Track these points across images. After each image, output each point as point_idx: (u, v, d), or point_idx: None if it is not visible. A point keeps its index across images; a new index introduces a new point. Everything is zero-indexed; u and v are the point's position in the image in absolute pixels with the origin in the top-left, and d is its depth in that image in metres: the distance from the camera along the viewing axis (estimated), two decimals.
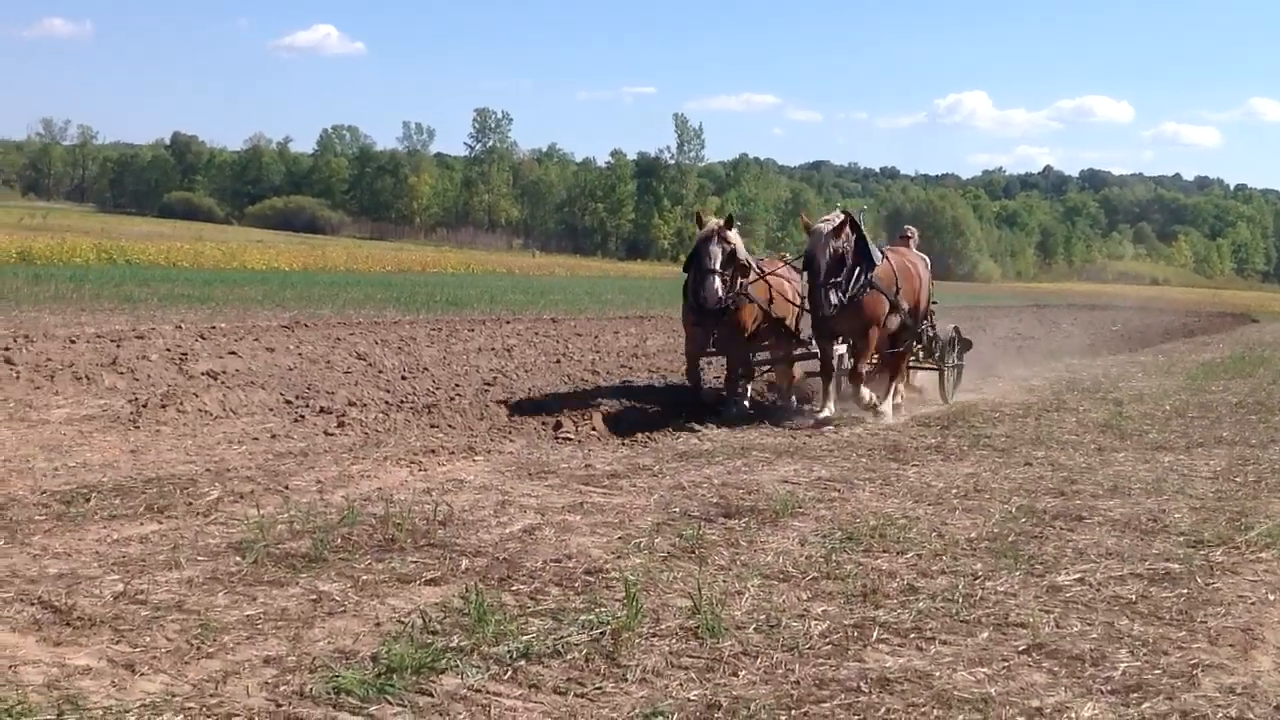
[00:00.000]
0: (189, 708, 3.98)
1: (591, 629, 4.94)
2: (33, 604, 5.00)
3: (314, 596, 5.31)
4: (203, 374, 12.72)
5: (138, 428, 9.73)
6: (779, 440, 10.83)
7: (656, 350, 19.48)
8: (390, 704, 4.13)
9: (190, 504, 6.98)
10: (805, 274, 12.02)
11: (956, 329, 15.19)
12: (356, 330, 18.70)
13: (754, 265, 12.49)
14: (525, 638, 4.78)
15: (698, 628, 5.03)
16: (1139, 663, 4.89)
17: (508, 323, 23.54)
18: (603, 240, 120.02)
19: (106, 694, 4.08)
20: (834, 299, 11.41)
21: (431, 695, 4.22)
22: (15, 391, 11.12)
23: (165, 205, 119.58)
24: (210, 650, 4.55)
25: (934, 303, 14.51)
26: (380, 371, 14.05)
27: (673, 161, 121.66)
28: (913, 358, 14.53)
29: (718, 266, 11.57)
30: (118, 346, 14.05)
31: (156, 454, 8.62)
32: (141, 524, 6.48)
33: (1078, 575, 6.25)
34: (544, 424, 10.98)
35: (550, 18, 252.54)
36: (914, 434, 11.52)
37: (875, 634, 5.10)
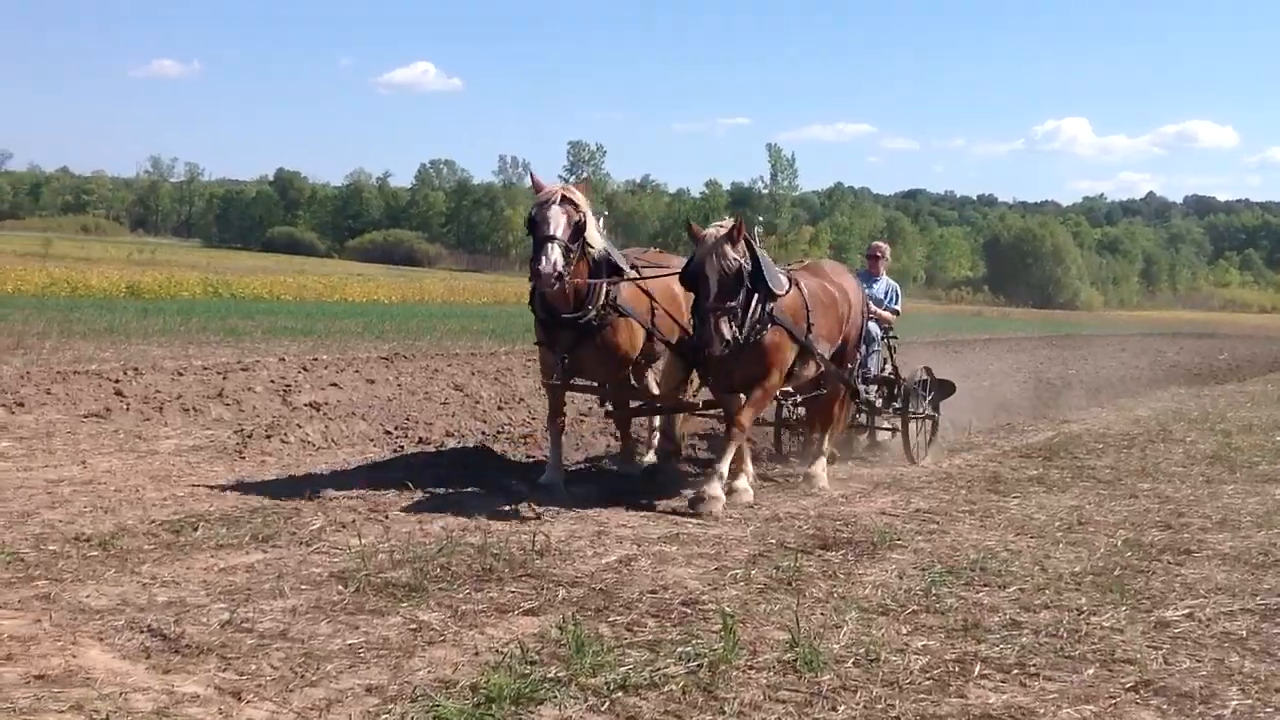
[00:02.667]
0: None
1: (689, 661, 4.94)
2: (142, 631, 5.13)
3: (414, 626, 5.38)
4: (305, 405, 12.95)
5: (243, 458, 9.94)
6: (875, 471, 10.72)
7: None
8: None
9: (294, 533, 7.11)
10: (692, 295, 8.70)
11: (928, 370, 12.17)
12: (454, 361, 18.90)
13: (625, 261, 9.13)
14: (623, 669, 4.79)
15: (795, 661, 5.00)
16: (1250, 700, 4.77)
17: None
18: None
19: None
20: (726, 332, 8.19)
21: None
22: (125, 423, 11.44)
23: (269, 240, 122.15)
24: (314, 678, 4.63)
25: (893, 336, 12.09)
26: (477, 402, 14.19)
27: (766, 191, 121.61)
28: (860, 407, 11.60)
29: (558, 233, 8.29)
30: (224, 379, 14.38)
31: (261, 484, 8.79)
32: (247, 553, 6.61)
33: (1186, 610, 6.10)
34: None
35: (644, 51, 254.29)
36: (1014, 465, 11.34)
37: (977, 669, 5.02)
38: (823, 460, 10.04)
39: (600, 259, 8.75)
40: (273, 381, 14.51)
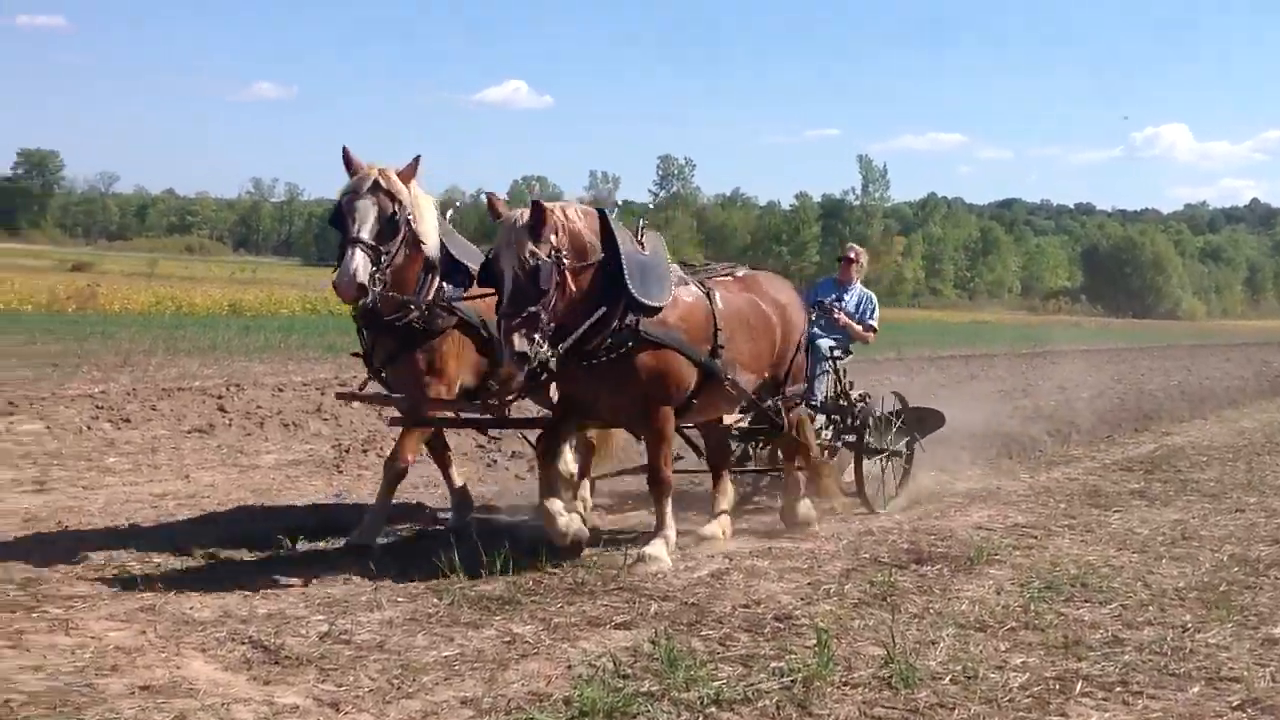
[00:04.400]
0: None
1: (782, 676, 4.90)
2: (244, 643, 5.23)
3: (508, 638, 5.42)
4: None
5: (341, 472, 10.11)
6: (971, 485, 10.58)
7: None
8: None
9: (390, 546, 7.20)
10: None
11: (900, 398, 9.79)
12: None
13: (476, 260, 7.27)
14: (716, 684, 4.77)
15: (891, 677, 4.94)
16: None
17: None
18: None
19: None
20: (519, 344, 6.29)
21: None
22: (228, 438, 11.69)
23: None
24: (411, 690, 4.68)
25: (837, 355, 9.69)
26: None
27: (858, 203, 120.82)
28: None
29: (366, 234, 6.76)
30: (322, 394, 14.62)
31: (358, 498, 8.92)
32: (345, 565, 6.70)
33: None
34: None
35: (733, 65, 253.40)
36: (1115, 478, 11.11)
37: (1078, 687, 4.93)
38: (723, 517, 7.88)
39: (437, 258, 7.26)
40: None
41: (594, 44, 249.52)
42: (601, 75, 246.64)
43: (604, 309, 6.72)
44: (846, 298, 10.10)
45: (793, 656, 5.17)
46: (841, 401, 9.62)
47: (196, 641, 5.21)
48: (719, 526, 7.77)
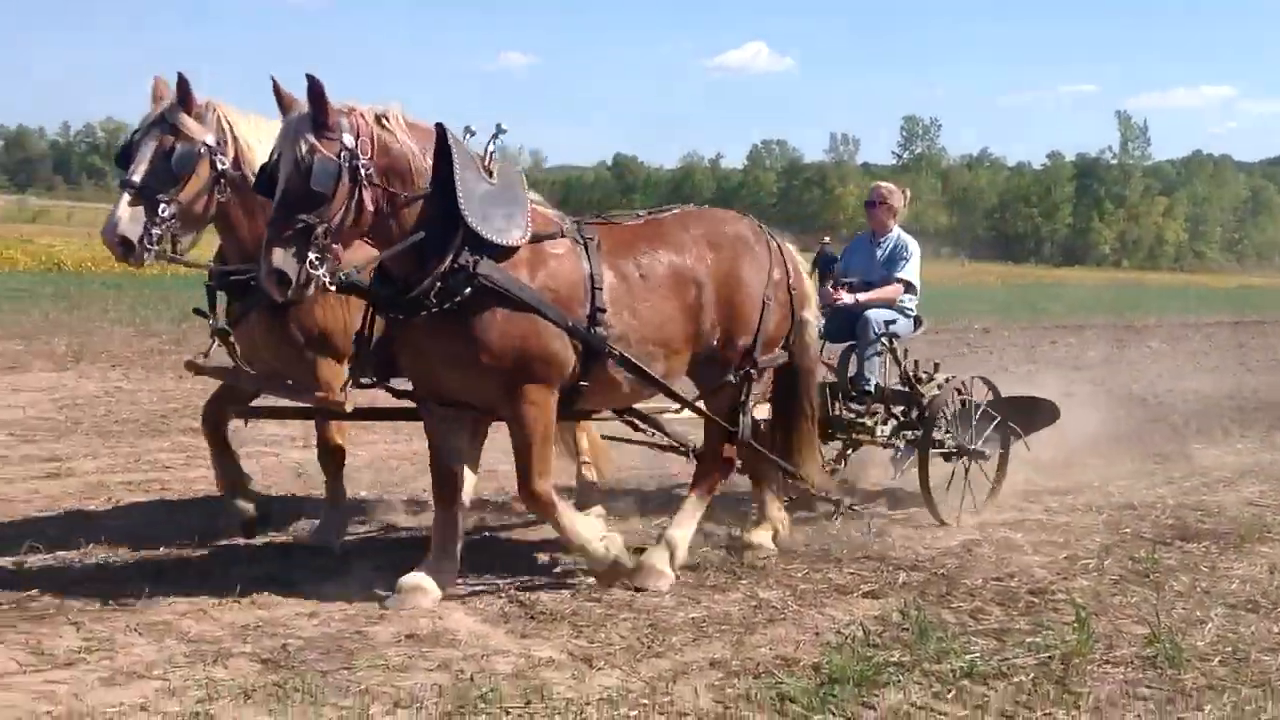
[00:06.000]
0: (643, 704, 4.18)
1: (1038, 652, 4.77)
2: (501, 597, 5.43)
3: (755, 603, 5.45)
4: None
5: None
6: (1241, 459, 10.01)
7: (1096, 362, 18.54)
8: (833, 715, 4.15)
9: (641, 508, 7.30)
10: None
11: (991, 386, 7.80)
12: None
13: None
14: (968, 656, 4.68)
15: (1155, 657, 4.75)
16: None
17: (936, 334, 23.08)
18: (1036, 246, 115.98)
19: (568, 686, 4.35)
20: (279, 261, 4.83)
21: (874, 709, 4.21)
22: None
23: None
24: (660, 649, 4.76)
25: (893, 334, 7.55)
26: None
27: (1115, 162, 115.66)
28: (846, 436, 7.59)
29: (136, 177, 5.44)
30: None
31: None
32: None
33: None
34: None
35: (980, 22, 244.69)
36: None
37: None
38: (765, 528, 6.54)
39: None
40: None
41: (837, 3, 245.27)
42: (845, 36, 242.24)
43: (427, 237, 5.21)
44: (879, 252, 8.03)
45: (1049, 632, 5.02)
46: (903, 388, 7.65)
47: (458, 594, 5.43)
48: (665, 553, 5.87)
